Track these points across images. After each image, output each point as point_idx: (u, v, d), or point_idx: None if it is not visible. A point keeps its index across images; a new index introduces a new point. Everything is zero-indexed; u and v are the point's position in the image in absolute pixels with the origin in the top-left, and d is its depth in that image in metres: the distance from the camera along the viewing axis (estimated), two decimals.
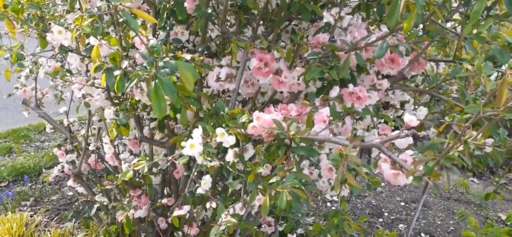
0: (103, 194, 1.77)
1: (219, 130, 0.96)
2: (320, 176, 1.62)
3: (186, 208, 1.27)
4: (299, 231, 2.43)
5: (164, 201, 1.69)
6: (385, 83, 1.15)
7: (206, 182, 1.12)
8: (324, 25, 1.18)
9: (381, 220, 2.82)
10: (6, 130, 3.88)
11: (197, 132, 0.95)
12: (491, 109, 0.61)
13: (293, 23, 1.39)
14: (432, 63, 1.43)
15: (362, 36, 1.11)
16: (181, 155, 0.97)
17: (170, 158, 1.00)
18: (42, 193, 2.81)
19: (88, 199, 1.72)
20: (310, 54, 1.13)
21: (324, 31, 1.17)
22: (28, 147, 3.64)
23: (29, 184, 2.92)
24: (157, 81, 0.87)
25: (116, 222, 1.62)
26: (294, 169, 0.99)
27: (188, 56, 0.90)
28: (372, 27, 1.39)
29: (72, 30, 1.15)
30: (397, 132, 0.90)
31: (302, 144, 0.98)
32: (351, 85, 1.09)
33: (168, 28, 1.36)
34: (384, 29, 1.16)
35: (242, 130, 1.04)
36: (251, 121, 1.03)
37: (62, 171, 1.93)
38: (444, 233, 2.67)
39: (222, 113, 1.12)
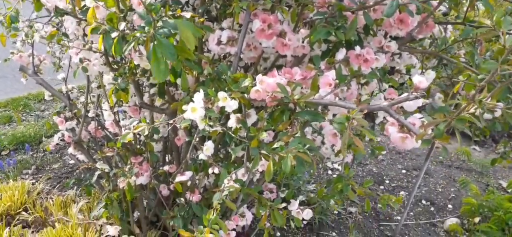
0: (104, 161, 1.76)
1: (221, 94, 0.93)
2: (323, 143, 1.60)
3: (188, 174, 1.25)
4: (301, 198, 2.44)
5: (166, 168, 1.68)
6: (393, 45, 1.11)
7: (208, 148, 1.10)
8: None
9: (382, 187, 2.83)
10: (5, 99, 3.85)
11: (199, 96, 0.92)
12: (510, 66, 0.58)
13: None
14: (439, 26, 1.38)
15: None
16: (182, 120, 0.94)
17: (171, 122, 0.98)
18: (43, 161, 2.80)
19: (89, 166, 1.71)
20: (316, 13, 1.08)
21: None
22: (28, 116, 3.62)
23: (30, 153, 2.91)
24: (155, 42, 0.83)
25: (117, 189, 1.61)
26: (298, 134, 0.96)
27: (188, 14, 0.86)
28: None
29: None
30: (405, 94, 0.87)
31: (307, 108, 0.95)
32: (358, 47, 1.05)
33: None
34: None
35: (245, 94, 1.01)
36: (254, 85, 1.00)
37: (63, 140, 1.92)
38: (445, 200, 2.67)
39: (224, 77, 1.08)
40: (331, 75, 1.00)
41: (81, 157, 1.90)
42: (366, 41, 1.16)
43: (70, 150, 1.83)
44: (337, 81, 1.01)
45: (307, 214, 1.14)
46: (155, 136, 1.60)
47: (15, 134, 3.06)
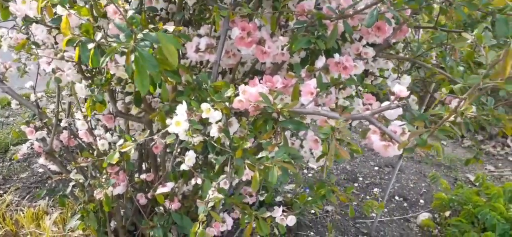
0: (78, 171, 1.71)
1: (204, 106, 0.92)
2: (301, 146, 1.61)
3: (170, 185, 1.23)
4: (278, 198, 2.46)
5: (143, 176, 1.65)
6: (371, 52, 1.13)
7: (190, 158, 1.08)
8: None
9: (356, 184, 2.89)
10: None
11: (182, 108, 0.90)
12: (490, 80, 0.61)
13: None
14: (411, 29, 1.42)
15: (348, 3, 1.08)
16: (166, 133, 0.92)
17: (155, 137, 0.96)
18: (10, 171, 2.69)
19: (63, 177, 1.65)
20: (296, 22, 1.09)
21: None
22: None
23: None
24: (137, 54, 0.81)
25: (94, 200, 1.56)
26: (282, 143, 0.97)
27: (170, 28, 0.84)
28: None
29: None
30: (387, 103, 0.88)
31: (290, 117, 0.96)
32: (337, 55, 1.06)
33: None
34: None
35: (227, 104, 1.00)
36: (236, 94, 0.99)
37: (32, 148, 1.84)
38: (417, 195, 2.76)
39: (205, 86, 1.07)
40: (312, 83, 1.00)
41: (53, 167, 1.83)
42: (344, 48, 1.18)
43: (41, 160, 1.76)
44: (318, 89, 1.02)
45: (291, 220, 1.15)
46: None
47: None
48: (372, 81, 1.53)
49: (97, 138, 1.54)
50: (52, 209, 2.07)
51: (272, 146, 0.94)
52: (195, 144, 0.93)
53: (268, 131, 0.97)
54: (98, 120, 1.73)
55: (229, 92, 0.97)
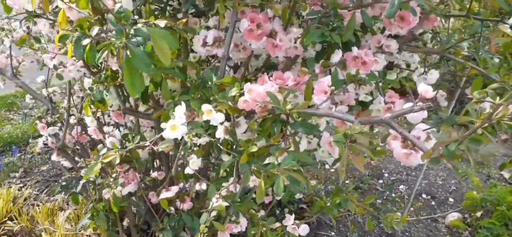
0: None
1: (205, 107, 0.84)
2: (319, 145, 1.51)
3: (175, 189, 1.16)
4: (298, 195, 2.37)
5: (154, 175, 1.59)
6: (394, 45, 1.02)
7: (194, 162, 1.01)
8: None
9: (381, 181, 2.76)
10: None
11: (180, 110, 0.82)
12: None
13: None
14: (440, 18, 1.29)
15: None
16: (162, 139, 0.85)
17: (152, 140, 0.88)
18: (32, 163, 2.71)
19: (75, 174, 1.62)
20: (309, 13, 0.99)
21: None
22: (15, 115, 3.51)
23: (18, 154, 2.82)
24: (128, 52, 0.73)
25: (104, 199, 1.52)
26: (292, 148, 0.88)
27: (162, 23, 0.76)
28: None
29: None
30: (410, 104, 0.78)
31: (301, 119, 0.86)
32: (355, 48, 0.96)
33: None
34: None
35: (232, 104, 0.92)
36: (242, 93, 0.90)
37: (45, 144, 1.83)
38: (446, 193, 2.61)
39: (209, 83, 0.99)
40: (326, 81, 0.90)
41: (66, 163, 1.81)
42: (364, 40, 1.07)
43: (54, 156, 1.73)
44: (333, 87, 0.92)
45: (304, 230, 1.06)
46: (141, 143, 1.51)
47: (1, 135, 2.96)
48: (398, 74, 1.41)
49: (106, 136, 1.50)
50: (68, 205, 2.06)
51: (280, 151, 0.85)
52: (198, 146, 0.85)
53: (276, 133, 0.88)
54: (109, 115, 1.68)
55: (234, 91, 0.88)
